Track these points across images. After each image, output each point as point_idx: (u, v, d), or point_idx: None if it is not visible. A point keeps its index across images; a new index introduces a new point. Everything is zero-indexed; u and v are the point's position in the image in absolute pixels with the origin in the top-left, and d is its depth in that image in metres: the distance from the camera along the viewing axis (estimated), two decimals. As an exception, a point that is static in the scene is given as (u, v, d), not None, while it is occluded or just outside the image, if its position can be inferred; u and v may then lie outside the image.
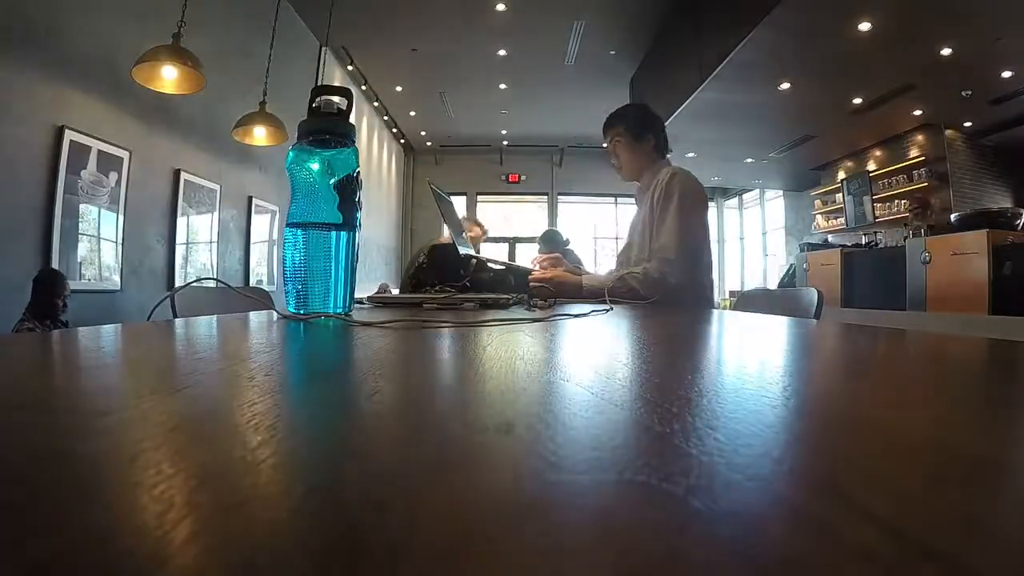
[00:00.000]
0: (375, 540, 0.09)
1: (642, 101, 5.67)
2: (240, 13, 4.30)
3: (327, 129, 0.64)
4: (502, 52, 6.30)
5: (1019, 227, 4.40)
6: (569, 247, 3.57)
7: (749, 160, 7.82)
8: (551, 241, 3.61)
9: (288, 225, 0.62)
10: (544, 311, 0.70)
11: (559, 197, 10.21)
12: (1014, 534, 0.10)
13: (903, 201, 6.37)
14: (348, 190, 0.63)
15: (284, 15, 4.46)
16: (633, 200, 1.80)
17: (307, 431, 0.17)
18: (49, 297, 2.53)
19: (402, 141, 9.74)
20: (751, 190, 9.93)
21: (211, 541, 0.09)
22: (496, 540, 0.09)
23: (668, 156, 1.70)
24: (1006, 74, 4.71)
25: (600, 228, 10.23)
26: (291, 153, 0.63)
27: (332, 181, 0.63)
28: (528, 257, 2.47)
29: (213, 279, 1.03)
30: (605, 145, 1.70)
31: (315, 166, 0.63)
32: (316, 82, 5.11)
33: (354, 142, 0.66)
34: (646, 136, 1.64)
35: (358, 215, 0.65)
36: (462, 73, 6.85)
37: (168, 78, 2.27)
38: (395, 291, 1.23)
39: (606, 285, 1.40)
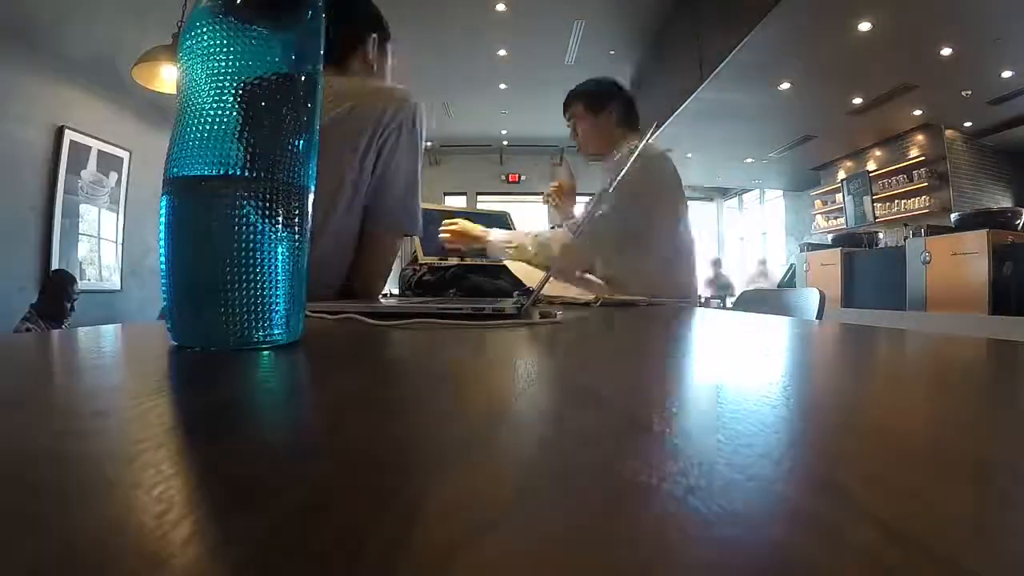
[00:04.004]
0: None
1: (642, 101, 5.66)
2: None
3: None
4: (502, 52, 6.29)
5: (1019, 227, 4.40)
6: None
7: (749, 160, 7.82)
8: None
9: (167, 184, 0.32)
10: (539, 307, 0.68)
11: (559, 197, 10.21)
12: (1014, 535, 0.10)
13: (903, 201, 6.37)
14: (298, 111, 0.33)
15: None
16: None
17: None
18: (59, 299, 2.53)
19: (402, 141, 9.73)
20: (751, 190, 9.92)
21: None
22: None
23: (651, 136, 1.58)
24: (1006, 74, 4.71)
25: (600, 228, 10.21)
26: (187, 31, 0.32)
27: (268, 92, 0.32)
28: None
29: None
30: (567, 125, 1.55)
31: (236, 53, 0.31)
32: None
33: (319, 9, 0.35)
34: (607, 107, 1.49)
35: (309, 167, 0.34)
36: (462, 73, 6.85)
37: (168, 78, 2.27)
38: (394, 291, 1.20)
39: (519, 243, 1.30)
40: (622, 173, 0.85)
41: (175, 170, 0.32)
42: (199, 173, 0.31)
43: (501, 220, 1.47)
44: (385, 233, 0.99)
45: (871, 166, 6.89)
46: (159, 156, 0.33)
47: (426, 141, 1.02)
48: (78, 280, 2.96)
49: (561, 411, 0.20)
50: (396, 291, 1.20)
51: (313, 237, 0.35)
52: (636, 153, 0.80)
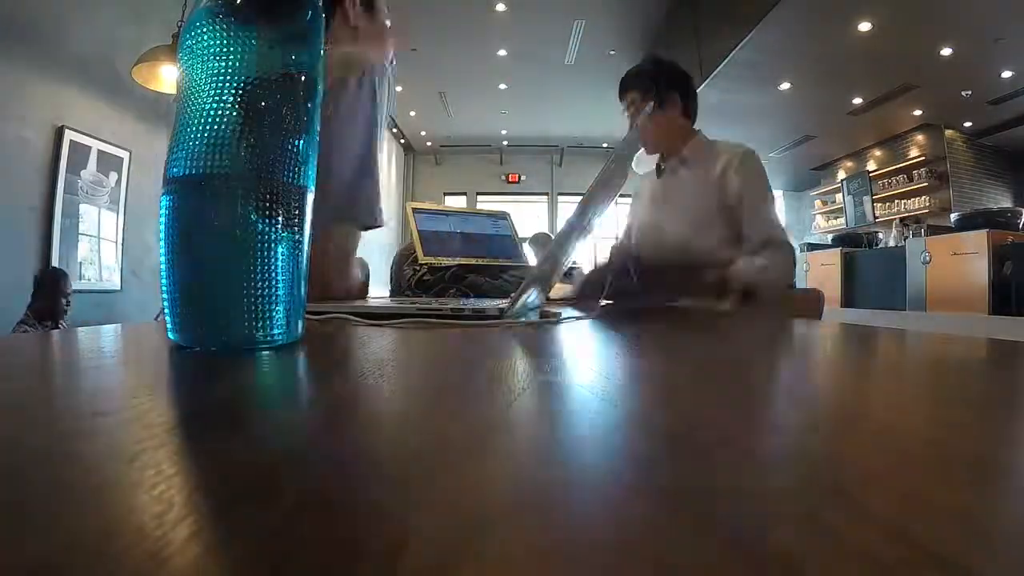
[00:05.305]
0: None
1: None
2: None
3: None
4: (502, 52, 6.29)
5: (1019, 227, 4.40)
6: None
7: (749, 160, 7.81)
8: (543, 243, 3.60)
9: (167, 184, 0.32)
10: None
11: (559, 197, 10.20)
12: (1014, 535, 0.10)
13: (903, 201, 6.37)
14: (298, 111, 0.33)
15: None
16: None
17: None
18: (52, 297, 2.53)
19: (402, 141, 9.73)
20: (751, 190, 9.91)
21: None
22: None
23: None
24: (1006, 74, 4.71)
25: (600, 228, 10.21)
26: (187, 31, 0.32)
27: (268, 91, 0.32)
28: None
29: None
30: (623, 113, 1.43)
31: (238, 52, 0.31)
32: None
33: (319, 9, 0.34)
34: (671, 98, 1.37)
35: (309, 167, 0.34)
36: (462, 73, 6.85)
37: (168, 78, 2.27)
38: (385, 292, 1.19)
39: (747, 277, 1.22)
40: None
41: (175, 170, 0.32)
42: (199, 173, 0.31)
43: (501, 218, 1.46)
44: (327, 230, 0.82)
45: (871, 166, 6.89)
46: (159, 156, 0.33)
47: (391, 114, 0.92)
48: (78, 279, 2.96)
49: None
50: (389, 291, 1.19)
51: None
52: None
